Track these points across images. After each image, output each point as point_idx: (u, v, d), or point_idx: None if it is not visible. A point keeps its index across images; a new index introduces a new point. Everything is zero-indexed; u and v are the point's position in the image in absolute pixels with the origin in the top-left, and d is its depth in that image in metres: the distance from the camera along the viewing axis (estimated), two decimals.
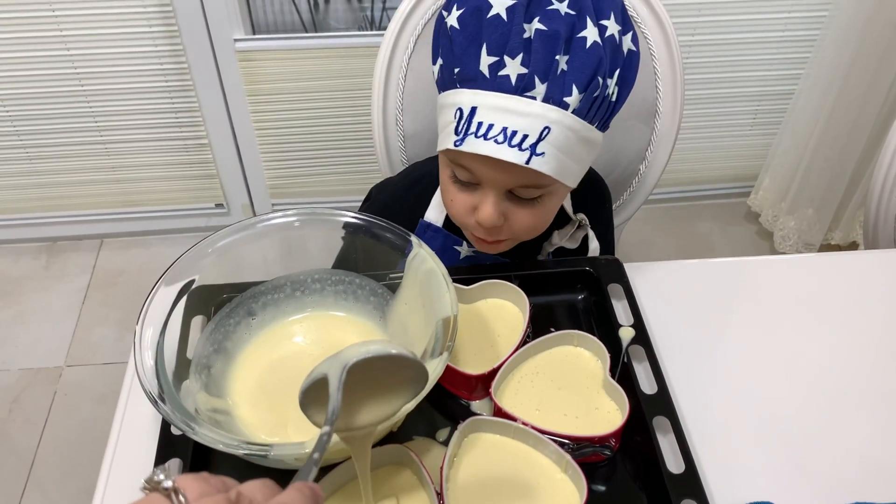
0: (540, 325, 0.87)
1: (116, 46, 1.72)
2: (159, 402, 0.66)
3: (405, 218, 0.89)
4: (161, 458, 0.73)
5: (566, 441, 0.73)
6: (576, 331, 0.83)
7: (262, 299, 0.84)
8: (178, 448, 0.73)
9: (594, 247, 0.98)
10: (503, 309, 0.88)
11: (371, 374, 0.58)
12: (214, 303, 0.83)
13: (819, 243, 1.99)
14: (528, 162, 0.74)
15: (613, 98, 0.77)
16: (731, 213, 2.20)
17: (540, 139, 0.73)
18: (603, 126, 0.79)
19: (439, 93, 0.81)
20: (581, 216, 0.96)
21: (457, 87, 0.77)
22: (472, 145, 0.75)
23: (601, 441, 0.74)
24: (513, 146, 0.73)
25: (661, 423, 0.76)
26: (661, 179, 1.22)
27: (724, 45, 1.86)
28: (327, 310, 0.86)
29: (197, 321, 0.81)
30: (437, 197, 0.96)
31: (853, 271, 1.00)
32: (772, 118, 2.03)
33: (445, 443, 0.77)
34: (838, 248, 2.07)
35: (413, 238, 0.81)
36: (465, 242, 0.95)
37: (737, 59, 1.90)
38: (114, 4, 1.65)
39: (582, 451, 0.74)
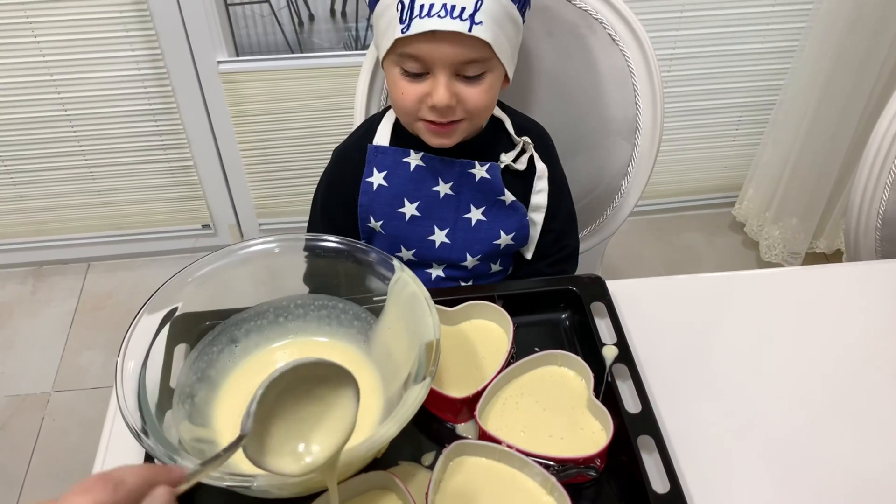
0: (524, 345, 0.87)
1: (100, 70, 1.72)
2: (142, 436, 0.66)
3: (359, 162, 1.00)
4: None
5: (551, 463, 0.74)
6: (560, 351, 0.83)
7: (244, 326, 0.84)
8: None
9: (541, 167, 1.02)
10: (487, 330, 0.88)
11: (308, 395, 0.62)
12: (197, 331, 0.83)
13: (804, 252, 2.00)
14: (470, 30, 0.83)
15: None
16: (717, 223, 2.21)
17: (476, 10, 0.83)
18: (521, 9, 0.90)
19: (373, 10, 0.90)
20: (525, 138, 1.01)
21: None
22: (419, 25, 0.83)
23: (586, 462, 0.74)
24: (454, 18, 0.83)
25: (645, 443, 0.76)
26: (645, 191, 1.23)
27: (704, 57, 1.88)
28: (311, 335, 0.86)
29: (180, 350, 0.81)
30: (382, 125, 1.02)
31: (837, 284, 1.01)
32: (754, 129, 2.04)
33: (431, 467, 0.77)
34: (823, 256, 2.09)
35: (395, 261, 0.81)
36: (411, 151, 0.99)
37: (718, 72, 1.91)
38: (96, 29, 1.65)
39: (567, 472, 0.74)
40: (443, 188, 1.00)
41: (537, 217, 1.04)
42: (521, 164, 1.01)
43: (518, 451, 0.74)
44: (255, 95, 1.79)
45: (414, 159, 0.99)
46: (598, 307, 0.90)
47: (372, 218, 1.01)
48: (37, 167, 1.88)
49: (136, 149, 1.87)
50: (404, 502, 0.72)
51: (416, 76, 0.89)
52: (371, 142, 1.01)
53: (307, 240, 0.84)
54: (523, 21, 0.92)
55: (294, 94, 1.79)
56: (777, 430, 0.83)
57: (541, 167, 1.02)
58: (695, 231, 2.20)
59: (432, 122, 0.92)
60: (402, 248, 1.03)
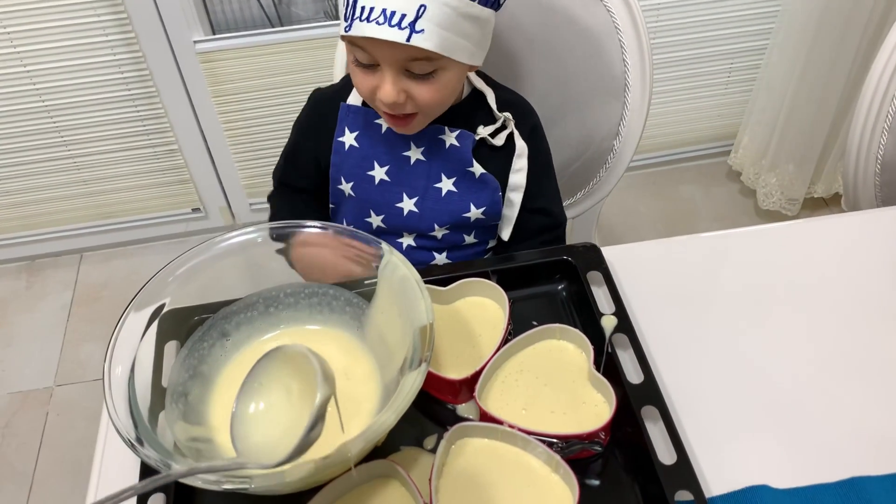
0: (521, 319, 0.86)
1: (74, 59, 1.68)
2: (136, 445, 0.64)
3: (331, 114, 0.98)
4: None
5: (555, 440, 0.72)
6: (558, 324, 0.82)
7: (234, 319, 0.82)
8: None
9: (520, 146, 0.99)
10: (482, 307, 0.86)
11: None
12: (186, 327, 0.81)
13: (802, 198, 1.97)
14: (408, 39, 0.79)
15: None
16: (713, 173, 2.18)
17: (417, 17, 0.79)
18: (491, 4, 0.85)
19: None
20: (506, 114, 0.98)
21: None
22: (358, 28, 0.81)
23: (590, 437, 0.73)
24: (392, 26, 0.79)
25: (649, 413, 0.75)
26: (639, 145, 1.20)
27: (692, 4, 1.83)
28: (303, 324, 0.84)
29: (170, 347, 0.79)
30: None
31: (836, 235, 0.98)
32: (747, 75, 2.00)
33: (433, 451, 0.76)
34: (822, 201, 2.06)
35: (384, 245, 0.79)
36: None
37: (706, 19, 1.87)
38: (67, 16, 1.61)
39: (571, 448, 0.73)
40: (414, 153, 0.97)
41: (515, 196, 1.01)
42: (499, 140, 0.97)
43: (520, 430, 0.72)
44: (235, 73, 1.75)
45: (387, 123, 0.97)
46: (594, 276, 0.88)
47: (343, 179, 1.00)
48: (20, 161, 1.85)
49: (119, 136, 1.84)
50: (407, 489, 0.71)
51: (367, 66, 0.86)
52: (346, 100, 0.99)
53: (290, 227, 0.82)
54: (498, 7, 0.88)
55: (275, 69, 1.75)
56: (782, 392, 0.81)
57: (520, 145, 0.99)
58: (691, 183, 2.17)
59: (387, 113, 0.90)
60: (372, 213, 1.02)
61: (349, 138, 0.98)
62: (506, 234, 1.03)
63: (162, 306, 0.78)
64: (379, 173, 0.98)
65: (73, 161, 1.88)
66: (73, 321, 1.96)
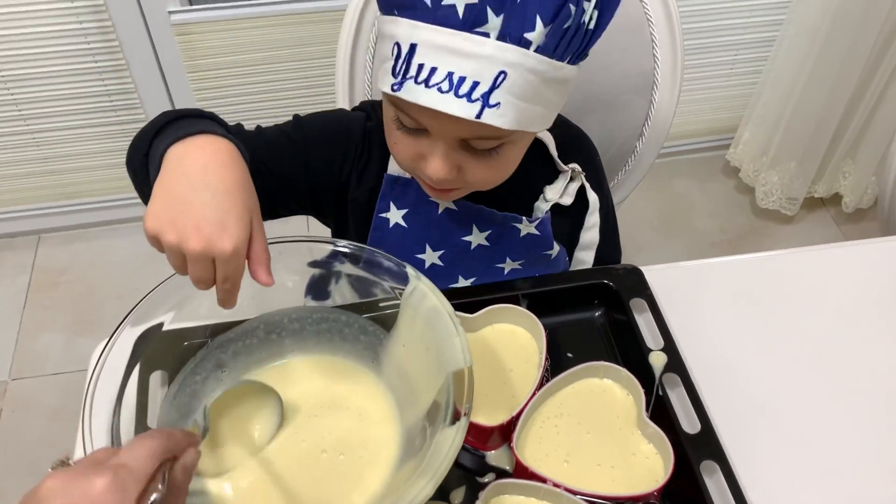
0: (554, 350, 0.77)
1: (36, 26, 1.53)
2: None
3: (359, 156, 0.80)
4: None
5: (605, 502, 0.63)
6: (602, 362, 0.72)
7: (231, 347, 0.72)
8: None
9: (593, 199, 0.85)
10: (513, 336, 0.77)
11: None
12: (174, 354, 0.70)
13: (802, 197, 1.91)
14: (479, 116, 0.61)
15: (592, 24, 0.62)
16: (710, 168, 2.11)
17: (494, 87, 0.60)
18: (578, 59, 0.65)
19: (380, 14, 0.66)
20: (574, 166, 0.83)
21: (394, 14, 0.62)
22: (412, 93, 0.62)
23: (644, 499, 0.64)
24: (460, 96, 0.60)
25: (708, 467, 0.66)
26: None
27: None
28: (309, 353, 0.73)
29: (156, 378, 0.68)
30: None
31: (888, 259, 0.91)
32: (751, 68, 1.92)
33: None
34: (821, 201, 2.00)
35: (409, 268, 0.68)
36: None
37: (711, 7, 1.78)
38: None
39: None
40: (476, 238, 0.82)
41: (586, 256, 0.88)
42: (568, 198, 0.83)
43: (566, 490, 0.63)
44: (213, 48, 1.61)
45: (444, 201, 0.80)
46: (637, 303, 0.79)
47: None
48: None
49: (83, 111, 1.69)
50: None
51: (413, 131, 0.68)
52: (386, 159, 0.80)
53: (300, 242, 0.71)
54: (585, 58, 0.67)
55: (257, 45, 1.62)
56: (850, 441, 0.73)
57: (593, 199, 0.85)
58: (686, 177, 2.10)
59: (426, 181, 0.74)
60: None
61: (395, 215, 0.81)
62: None
63: (157, 327, 0.67)
64: (431, 257, 0.83)
65: (31, 137, 1.73)
66: (30, 308, 1.82)
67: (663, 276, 0.84)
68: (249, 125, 1.78)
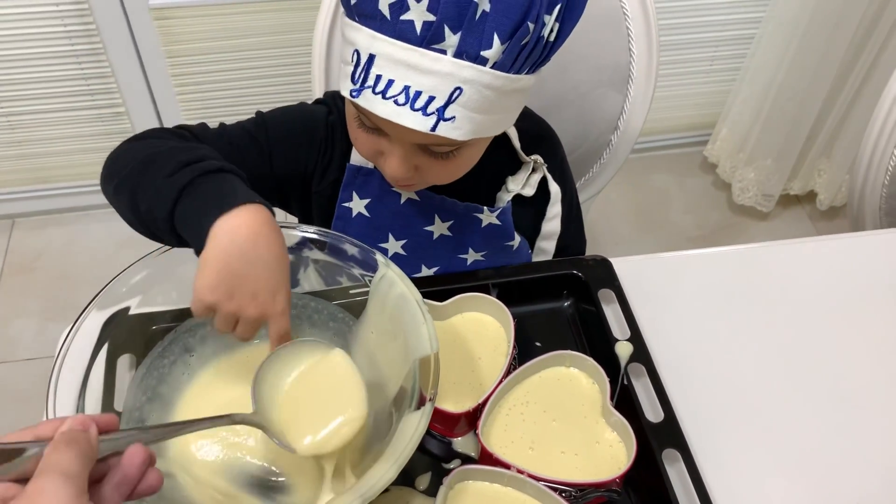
0: (523, 339, 0.77)
1: (11, 7, 1.51)
2: None
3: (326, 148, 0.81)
4: None
5: (568, 488, 0.64)
6: (568, 351, 0.73)
7: (199, 332, 0.72)
8: None
9: (555, 191, 0.86)
10: (482, 324, 0.77)
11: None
12: (142, 338, 0.70)
13: (778, 194, 1.93)
14: (433, 129, 0.62)
15: (552, 37, 0.63)
16: (687, 163, 2.12)
17: (450, 101, 0.61)
18: (537, 68, 0.66)
19: (344, 17, 0.66)
20: (535, 157, 0.84)
21: (356, 21, 0.63)
22: (369, 102, 0.63)
23: (606, 486, 0.65)
24: (416, 110, 0.61)
25: (670, 456, 0.67)
26: None
27: None
28: None
29: (124, 361, 0.68)
30: None
31: (856, 256, 0.92)
32: (730, 65, 1.93)
33: (427, 492, 0.67)
34: (796, 198, 2.02)
35: (378, 255, 0.69)
36: None
37: (692, 3, 1.78)
38: None
39: (586, 497, 0.65)
40: (438, 227, 0.83)
41: (548, 245, 0.89)
42: (530, 189, 0.84)
43: (530, 476, 0.64)
44: (193, 33, 1.60)
45: (406, 193, 0.81)
46: (605, 294, 0.79)
47: None
48: None
49: (59, 94, 1.67)
50: None
51: (373, 129, 0.69)
52: (348, 150, 0.81)
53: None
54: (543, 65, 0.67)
55: (237, 31, 1.60)
56: (813, 433, 0.75)
57: (555, 190, 0.86)
58: (663, 172, 2.11)
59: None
60: None
61: (358, 205, 0.82)
62: None
63: (124, 311, 0.67)
64: (394, 247, 0.84)
65: (5, 119, 1.70)
66: (3, 294, 1.80)
67: (633, 267, 0.85)
68: (225, 112, 1.77)
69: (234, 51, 1.64)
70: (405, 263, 0.84)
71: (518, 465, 0.65)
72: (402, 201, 0.81)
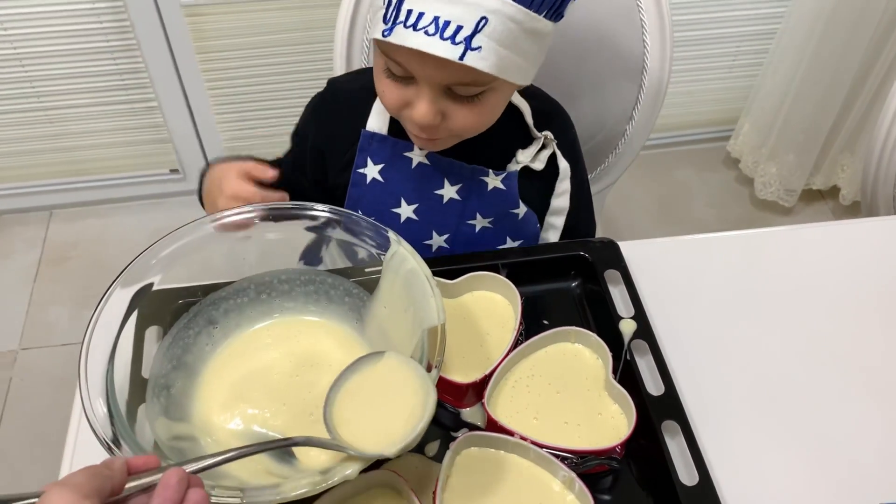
0: (532, 317, 0.80)
1: (49, 5, 1.57)
2: (113, 446, 0.58)
3: (345, 133, 0.87)
4: None
5: (569, 455, 0.67)
6: (573, 327, 0.76)
7: (223, 305, 0.75)
8: None
9: (564, 167, 0.89)
10: (492, 302, 0.80)
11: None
12: (169, 311, 0.74)
13: (800, 189, 1.93)
14: (461, 57, 0.66)
15: None
16: (710, 158, 2.13)
17: (476, 31, 0.66)
18: (554, 15, 0.71)
19: None
20: (546, 133, 0.87)
21: None
22: (401, 37, 0.67)
23: (606, 453, 0.68)
24: (445, 39, 0.66)
25: (669, 427, 0.70)
26: None
27: None
28: (298, 314, 0.77)
29: (152, 333, 0.72)
30: (377, 104, 0.86)
31: (875, 239, 0.93)
32: (752, 60, 1.94)
33: (436, 458, 0.71)
34: (819, 193, 2.02)
35: (391, 233, 0.72)
36: (415, 146, 0.85)
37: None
38: None
39: (586, 464, 0.68)
40: (448, 191, 0.86)
41: (557, 221, 0.92)
42: (540, 163, 0.87)
43: (533, 443, 0.67)
44: (222, 29, 1.65)
45: (417, 156, 0.85)
46: (611, 275, 0.82)
47: (360, 212, 0.89)
48: None
49: (95, 89, 1.74)
50: (409, 501, 0.65)
51: (401, 78, 0.73)
52: (365, 117, 0.86)
53: (290, 209, 0.75)
54: (560, 18, 0.72)
55: (265, 27, 1.65)
56: (812, 409, 0.77)
57: (563, 167, 0.89)
58: (686, 167, 2.12)
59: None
60: None
61: (372, 170, 0.86)
62: None
63: (148, 286, 0.71)
64: (406, 211, 0.87)
65: (45, 113, 1.77)
66: (41, 281, 1.87)
67: (641, 250, 0.88)
68: (253, 106, 1.82)
69: (261, 46, 1.69)
70: (417, 229, 0.88)
71: (522, 433, 0.68)
72: (414, 165, 0.86)
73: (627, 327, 0.76)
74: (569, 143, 0.91)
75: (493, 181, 0.86)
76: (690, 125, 2.09)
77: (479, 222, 0.88)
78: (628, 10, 1.05)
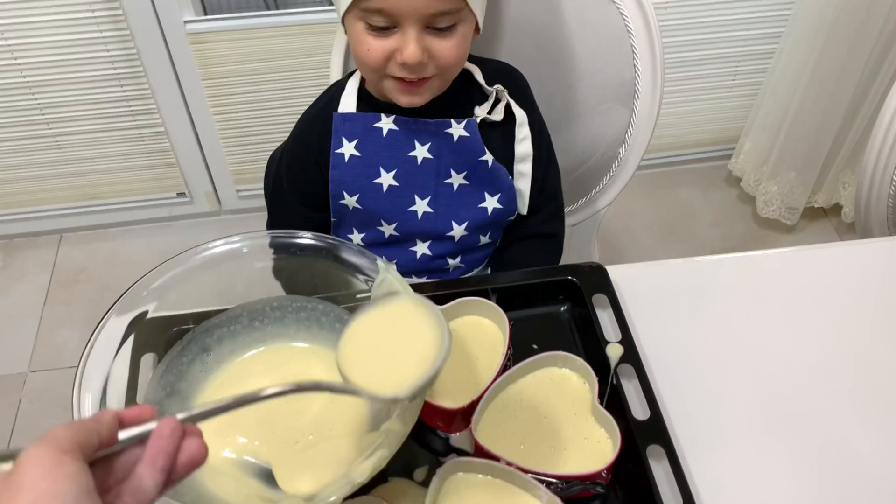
0: (520, 342, 0.81)
1: (58, 34, 1.60)
2: None
3: (324, 132, 0.94)
4: None
5: (554, 480, 0.68)
6: (560, 352, 0.77)
7: (216, 332, 0.77)
8: None
9: (520, 114, 0.96)
10: (480, 328, 0.81)
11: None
12: (164, 338, 0.76)
13: (802, 207, 1.94)
14: None
15: None
16: (712, 177, 2.14)
17: None
18: None
19: None
20: (497, 86, 0.95)
21: None
22: None
23: (591, 479, 0.68)
24: None
25: (655, 452, 0.70)
26: None
27: (699, 4, 1.78)
28: (289, 341, 0.79)
29: (147, 360, 0.74)
30: (346, 91, 0.95)
31: (863, 261, 0.94)
32: (752, 79, 1.95)
33: (424, 483, 0.72)
34: (822, 211, 2.03)
35: (380, 261, 0.74)
36: (382, 115, 0.93)
37: (714, 20, 1.81)
38: None
39: (572, 489, 0.68)
40: (420, 151, 0.94)
41: (525, 168, 0.99)
42: (498, 115, 0.95)
43: (519, 468, 0.68)
44: (227, 56, 1.68)
45: (386, 123, 0.93)
46: (599, 299, 0.83)
47: (346, 193, 0.95)
48: None
49: (103, 116, 1.77)
50: None
51: (383, 30, 0.82)
52: (336, 110, 0.94)
53: (278, 237, 0.77)
54: None
55: (268, 53, 1.68)
56: (801, 435, 0.77)
57: (520, 114, 0.96)
58: (689, 186, 2.13)
59: (402, 80, 0.86)
60: (383, 223, 0.97)
61: (348, 148, 0.93)
62: (523, 209, 1.01)
63: (143, 314, 0.73)
64: (387, 179, 0.94)
65: (54, 140, 1.81)
66: (51, 304, 1.90)
67: (631, 274, 0.89)
68: (259, 130, 1.85)
69: (265, 72, 1.72)
70: (399, 196, 0.95)
71: (508, 459, 0.69)
72: (385, 133, 0.93)
73: (614, 352, 0.77)
74: (521, 93, 0.98)
75: (458, 130, 0.93)
76: (692, 144, 2.10)
77: (456, 179, 0.95)
78: (619, 36, 1.07)
